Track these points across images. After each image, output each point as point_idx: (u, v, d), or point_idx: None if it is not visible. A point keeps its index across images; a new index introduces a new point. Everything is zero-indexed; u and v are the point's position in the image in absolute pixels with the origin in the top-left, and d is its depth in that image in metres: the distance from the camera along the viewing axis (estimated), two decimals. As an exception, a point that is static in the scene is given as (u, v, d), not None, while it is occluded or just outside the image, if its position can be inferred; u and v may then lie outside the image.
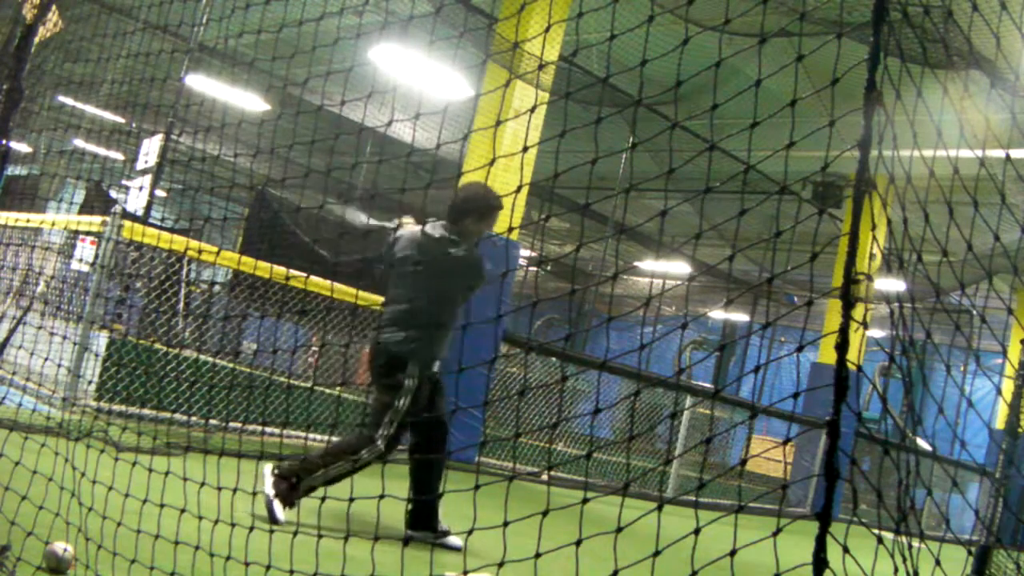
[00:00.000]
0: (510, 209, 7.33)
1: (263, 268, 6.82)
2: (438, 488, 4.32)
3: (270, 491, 4.04)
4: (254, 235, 10.14)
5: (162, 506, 2.79)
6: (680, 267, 19.76)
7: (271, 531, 2.78)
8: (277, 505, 4.02)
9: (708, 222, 14.58)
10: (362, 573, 2.70)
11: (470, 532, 2.26)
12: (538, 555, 2.09)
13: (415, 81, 10.33)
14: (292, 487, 4.10)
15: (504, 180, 7.72)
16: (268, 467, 4.13)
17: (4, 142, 3.49)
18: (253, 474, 4.22)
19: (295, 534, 2.67)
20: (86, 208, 10.19)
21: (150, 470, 2.95)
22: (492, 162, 2.77)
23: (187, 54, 9.80)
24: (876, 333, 19.39)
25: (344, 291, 7.33)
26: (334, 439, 7.30)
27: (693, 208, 14.76)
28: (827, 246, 2.27)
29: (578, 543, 2.03)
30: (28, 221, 7.72)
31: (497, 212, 4.62)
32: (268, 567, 2.51)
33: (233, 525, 2.73)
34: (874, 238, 1.76)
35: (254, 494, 3.64)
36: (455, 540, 4.35)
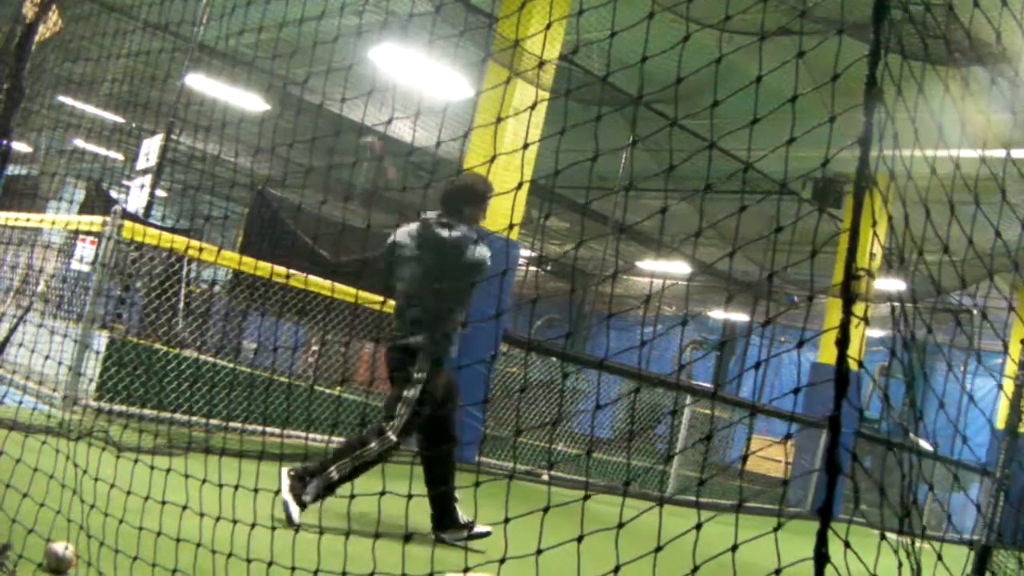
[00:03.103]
0: (510, 209, 7.31)
1: (263, 268, 6.81)
2: (450, 484, 4.40)
3: (287, 494, 4.06)
4: (254, 235, 10.13)
5: (163, 503, 2.79)
6: (680, 267, 19.75)
7: (272, 528, 2.78)
8: (293, 507, 4.04)
9: (708, 222, 14.58)
10: (363, 571, 2.70)
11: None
12: (539, 551, 2.09)
13: (415, 81, 10.32)
14: (304, 485, 4.13)
15: (504, 179, 7.70)
16: (285, 469, 4.14)
17: (4, 142, 3.49)
18: (254, 474, 4.21)
19: (296, 530, 2.67)
20: (86, 208, 10.18)
21: (151, 467, 2.95)
22: (492, 159, 2.77)
23: (187, 54, 9.79)
24: (876, 333, 19.38)
25: (344, 291, 7.32)
26: (339, 439, 7.31)
27: (693, 208, 14.76)
28: (827, 244, 2.27)
29: (579, 539, 2.03)
30: (28, 220, 7.72)
31: (490, 198, 4.67)
32: (270, 563, 2.50)
33: (235, 523, 2.73)
34: (875, 234, 1.76)
35: (255, 491, 3.63)
36: (482, 527, 4.37)
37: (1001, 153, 2.95)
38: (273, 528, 2.80)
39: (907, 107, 2.01)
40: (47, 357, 4.92)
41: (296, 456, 5.54)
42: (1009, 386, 7.01)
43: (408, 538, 4.00)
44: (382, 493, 2.45)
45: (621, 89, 10.17)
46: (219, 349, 7.90)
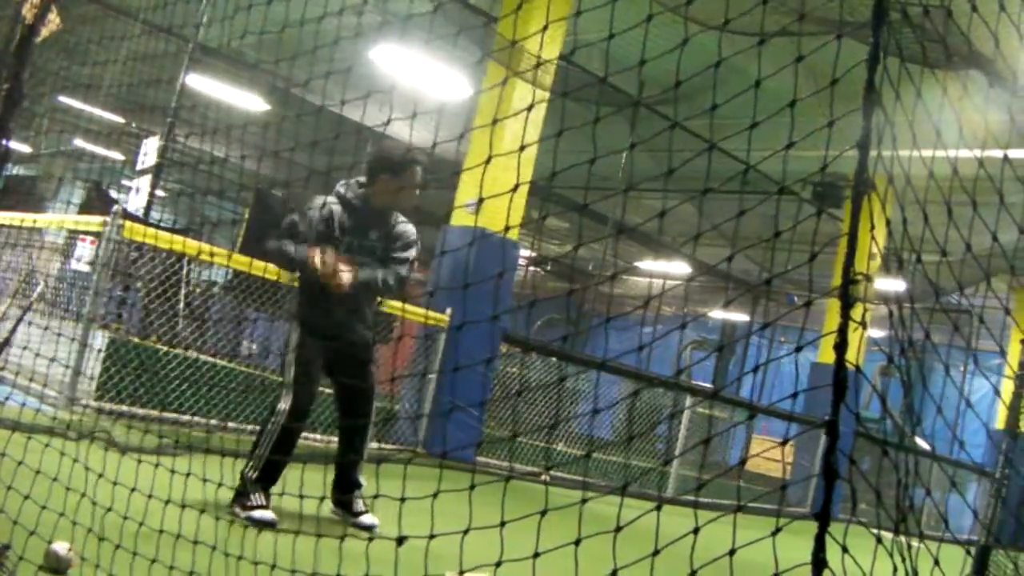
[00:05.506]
0: (509, 209, 7.30)
1: (261, 267, 6.81)
2: (356, 465, 4.37)
3: (243, 513, 3.93)
4: (254, 235, 10.12)
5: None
6: (680, 267, 19.76)
7: (278, 531, 2.78)
8: (257, 513, 3.89)
9: (708, 222, 14.58)
10: (358, 571, 2.70)
11: (466, 531, 2.27)
12: (536, 555, 2.09)
13: (414, 80, 10.31)
14: (243, 490, 4.03)
15: (503, 179, 7.67)
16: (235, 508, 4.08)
17: (4, 142, 3.49)
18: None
19: (297, 534, 2.68)
20: (86, 208, 10.18)
21: (153, 464, 2.95)
22: (488, 160, 2.77)
23: (188, 54, 9.79)
24: (876, 333, 19.36)
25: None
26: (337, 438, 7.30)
27: (694, 208, 14.76)
28: (827, 246, 2.27)
29: (577, 542, 2.03)
30: (23, 220, 7.72)
31: (412, 168, 4.44)
32: (273, 566, 2.51)
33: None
34: (873, 238, 1.76)
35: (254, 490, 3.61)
36: (369, 519, 4.29)
37: (999, 154, 2.96)
38: (278, 531, 2.80)
39: (905, 110, 2.01)
40: (49, 358, 4.91)
41: (296, 457, 5.53)
42: (1008, 387, 7.01)
43: (400, 542, 4.01)
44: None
45: (622, 90, 10.17)
46: (219, 349, 7.90)
